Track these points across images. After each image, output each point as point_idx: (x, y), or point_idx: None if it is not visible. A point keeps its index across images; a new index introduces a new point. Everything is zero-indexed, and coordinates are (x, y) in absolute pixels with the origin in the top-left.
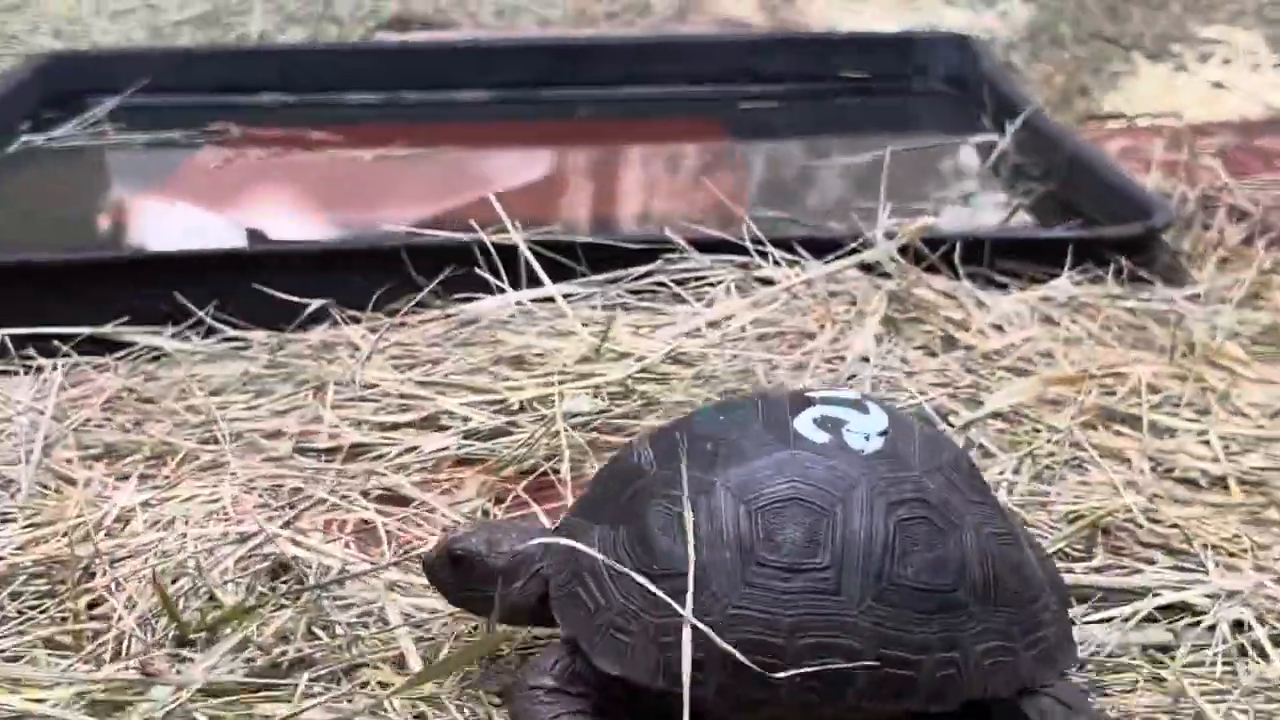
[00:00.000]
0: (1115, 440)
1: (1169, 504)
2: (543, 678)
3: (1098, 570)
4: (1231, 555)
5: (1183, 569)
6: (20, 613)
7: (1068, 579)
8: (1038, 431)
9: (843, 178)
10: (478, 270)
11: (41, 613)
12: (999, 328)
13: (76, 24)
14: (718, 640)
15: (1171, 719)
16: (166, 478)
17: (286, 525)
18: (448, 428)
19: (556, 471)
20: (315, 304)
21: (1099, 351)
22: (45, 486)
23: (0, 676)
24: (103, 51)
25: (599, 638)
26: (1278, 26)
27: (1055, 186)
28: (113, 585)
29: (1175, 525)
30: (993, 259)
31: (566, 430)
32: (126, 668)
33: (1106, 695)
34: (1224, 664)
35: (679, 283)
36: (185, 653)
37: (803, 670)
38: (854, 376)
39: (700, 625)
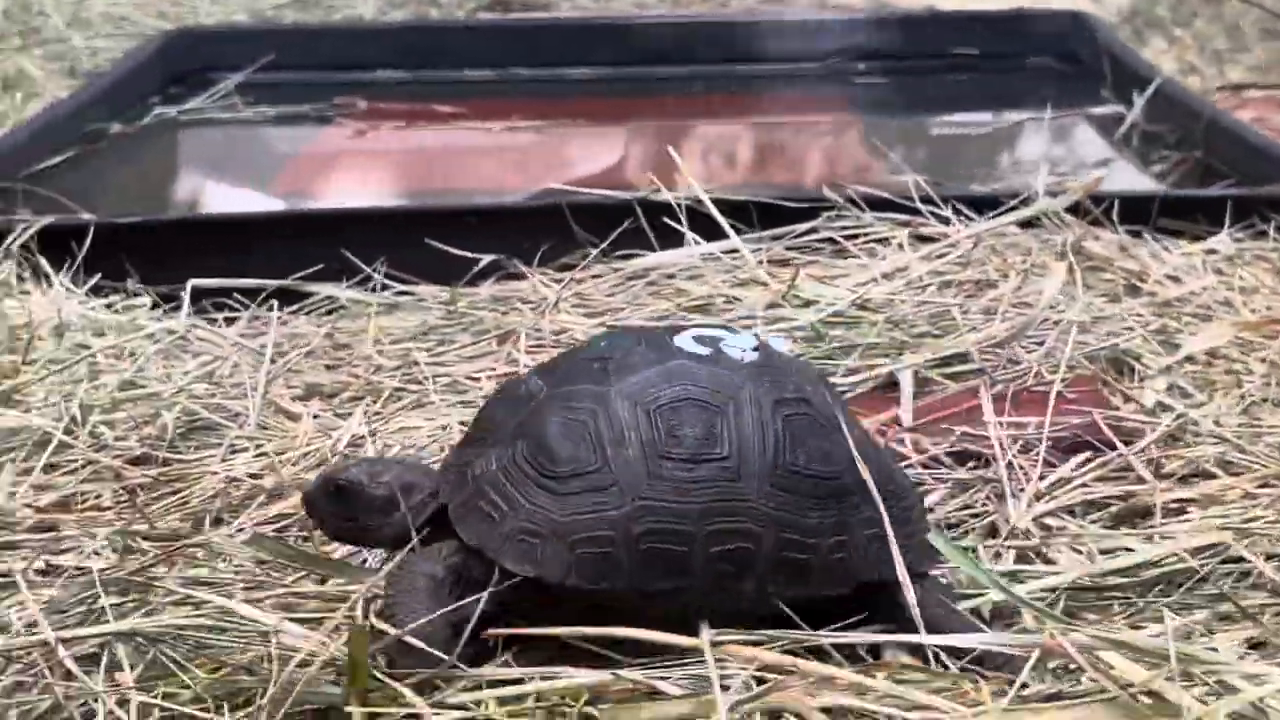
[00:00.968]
0: None
1: None
2: (433, 565)
3: None
4: None
5: None
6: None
7: None
8: (1233, 373)
9: (971, 147)
10: (642, 226)
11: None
12: (1174, 279)
13: (181, 4)
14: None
15: None
16: (379, 413)
17: None
18: None
19: None
20: (487, 259)
21: (1278, 299)
22: (267, 421)
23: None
24: (225, 29)
25: (507, 544)
26: None
27: (1193, 152)
28: None
29: None
30: (1156, 217)
31: None
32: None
33: None
34: None
35: (850, 238)
36: None
37: (711, 552)
38: (1046, 320)
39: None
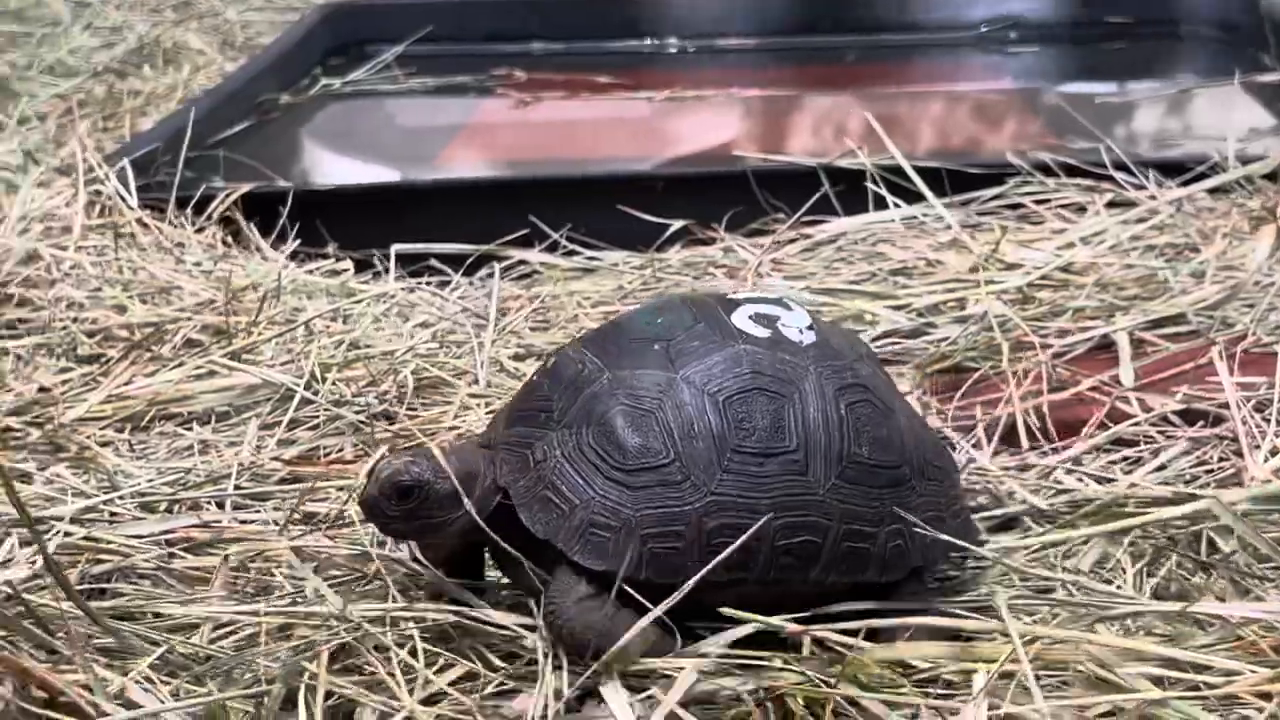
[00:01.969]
0: None
1: None
2: (581, 590)
3: None
4: None
5: None
6: None
7: None
8: None
9: (1134, 115)
10: (829, 192)
11: None
12: None
13: None
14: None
15: None
16: None
17: None
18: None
19: (976, 367)
20: (677, 224)
21: None
22: (493, 379)
23: None
24: (381, 3)
25: (578, 537)
26: None
27: None
28: None
29: None
30: None
31: (995, 329)
32: None
33: None
34: None
35: (1039, 204)
36: None
37: (777, 546)
38: (1259, 283)
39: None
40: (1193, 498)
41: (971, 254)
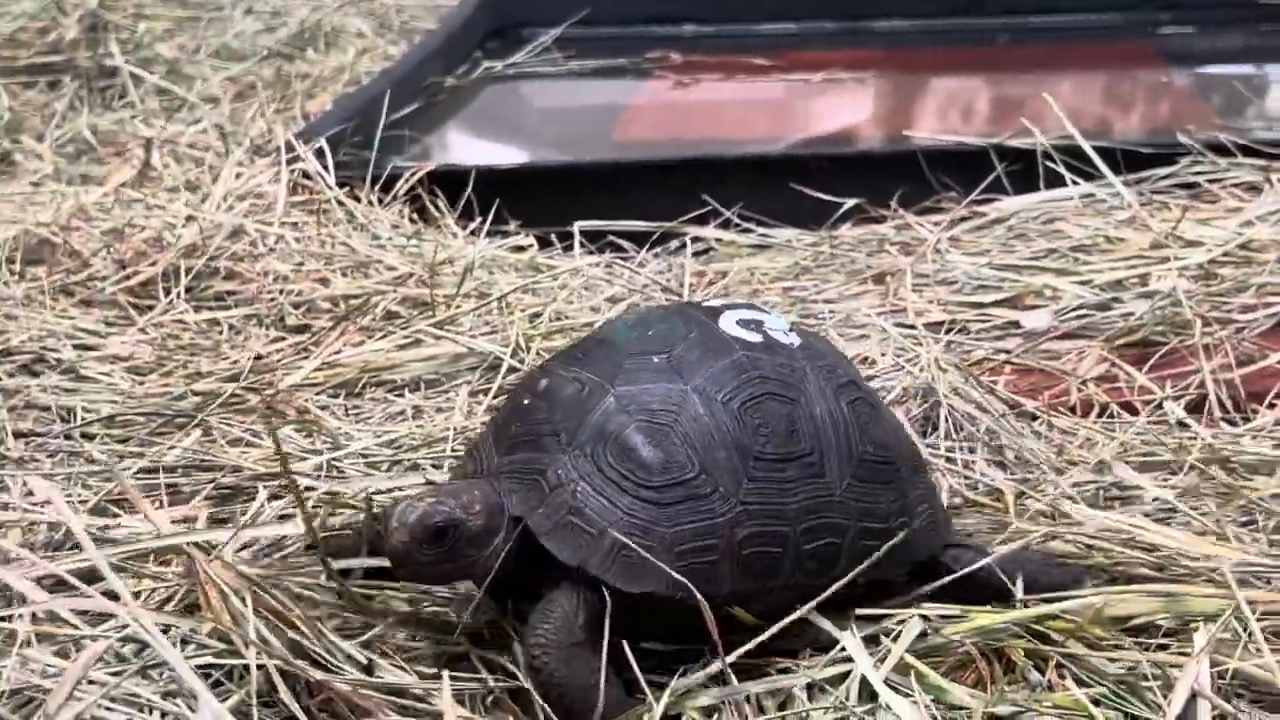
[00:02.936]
0: None
1: None
2: (576, 633)
3: None
4: None
5: None
6: None
7: None
8: None
9: None
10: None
11: None
12: None
13: None
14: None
15: None
16: None
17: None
18: (1034, 307)
19: (1164, 341)
20: (850, 202)
21: None
22: None
23: None
24: None
25: (612, 562)
26: None
27: None
28: None
29: None
30: None
31: (1184, 303)
32: None
33: None
34: None
35: (1212, 183)
36: None
37: (803, 550)
38: None
39: None
40: None
41: (1150, 231)
